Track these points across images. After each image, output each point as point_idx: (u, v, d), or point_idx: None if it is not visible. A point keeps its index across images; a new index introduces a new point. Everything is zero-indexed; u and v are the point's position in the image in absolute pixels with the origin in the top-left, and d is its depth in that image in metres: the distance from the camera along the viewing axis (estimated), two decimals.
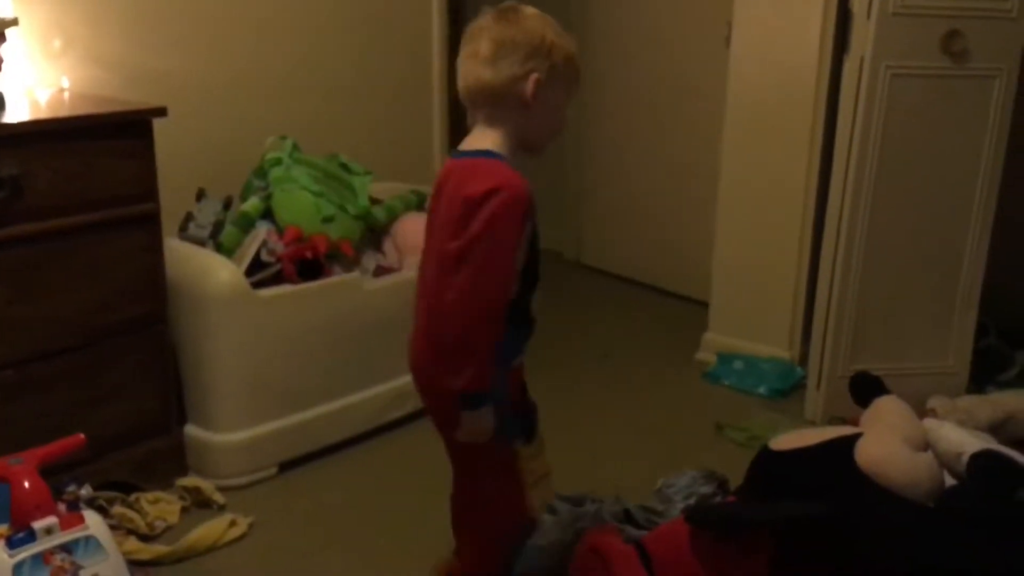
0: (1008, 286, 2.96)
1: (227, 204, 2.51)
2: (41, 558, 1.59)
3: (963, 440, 1.86)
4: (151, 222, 2.17)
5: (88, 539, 1.65)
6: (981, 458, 1.80)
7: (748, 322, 3.10)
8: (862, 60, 2.44)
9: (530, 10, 1.52)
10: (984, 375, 2.82)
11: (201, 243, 2.40)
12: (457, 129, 3.91)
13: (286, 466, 2.40)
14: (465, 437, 1.56)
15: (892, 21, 2.40)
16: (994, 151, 2.54)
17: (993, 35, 2.45)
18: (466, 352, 1.48)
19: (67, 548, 1.62)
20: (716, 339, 3.17)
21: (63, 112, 2.14)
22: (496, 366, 1.52)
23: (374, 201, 2.76)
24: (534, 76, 1.47)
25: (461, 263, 1.45)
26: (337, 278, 2.47)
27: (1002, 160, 2.55)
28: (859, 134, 2.48)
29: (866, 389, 2.10)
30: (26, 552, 1.58)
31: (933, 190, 2.56)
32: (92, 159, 2.03)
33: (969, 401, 2.53)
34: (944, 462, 1.88)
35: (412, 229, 2.72)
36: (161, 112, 2.13)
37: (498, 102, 1.50)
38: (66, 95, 2.33)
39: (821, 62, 2.79)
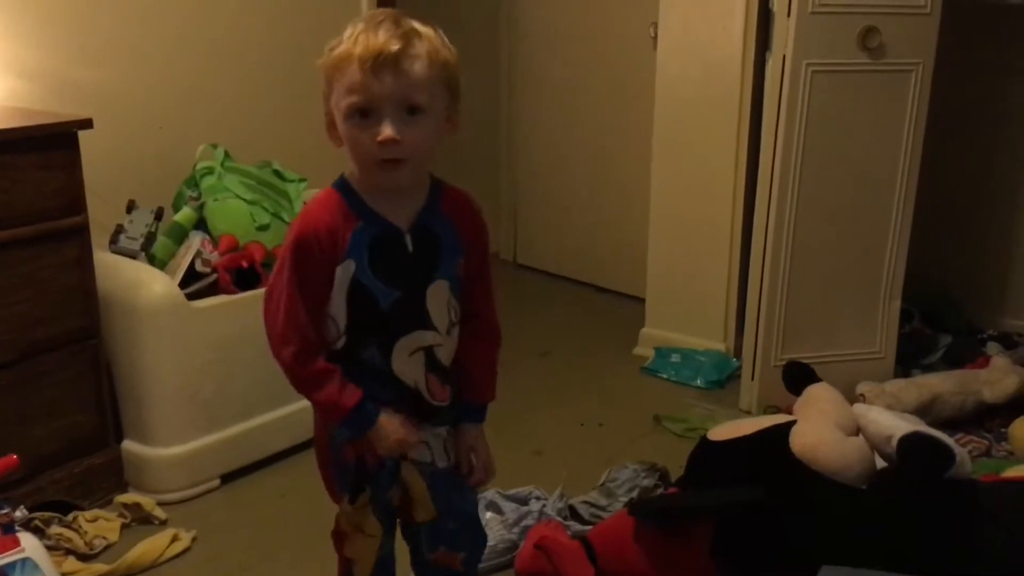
0: (929, 272, 3.07)
1: (158, 215, 2.47)
2: None
3: (892, 423, 1.93)
4: (80, 235, 2.13)
5: (24, 561, 1.62)
6: (909, 440, 1.87)
7: (683, 316, 3.16)
8: (784, 58, 2.51)
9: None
10: (910, 359, 2.92)
11: (133, 255, 2.36)
12: None
13: (228, 477, 2.37)
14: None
15: (811, 20, 2.47)
16: (913, 142, 2.63)
17: (908, 30, 2.53)
18: (303, 392, 1.38)
19: (3, 572, 1.59)
20: (653, 334, 3.23)
21: None
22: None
23: None
24: (325, 111, 1.31)
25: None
26: None
27: (920, 151, 2.64)
28: (783, 130, 2.55)
29: (798, 377, 2.16)
30: None
31: (856, 182, 2.64)
32: (16, 173, 1.99)
33: (896, 385, 2.62)
34: (874, 445, 1.94)
35: None
36: (86, 124, 2.10)
37: None
38: None
39: (745, 61, 2.86)
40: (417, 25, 1.25)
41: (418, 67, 1.23)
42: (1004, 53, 3.15)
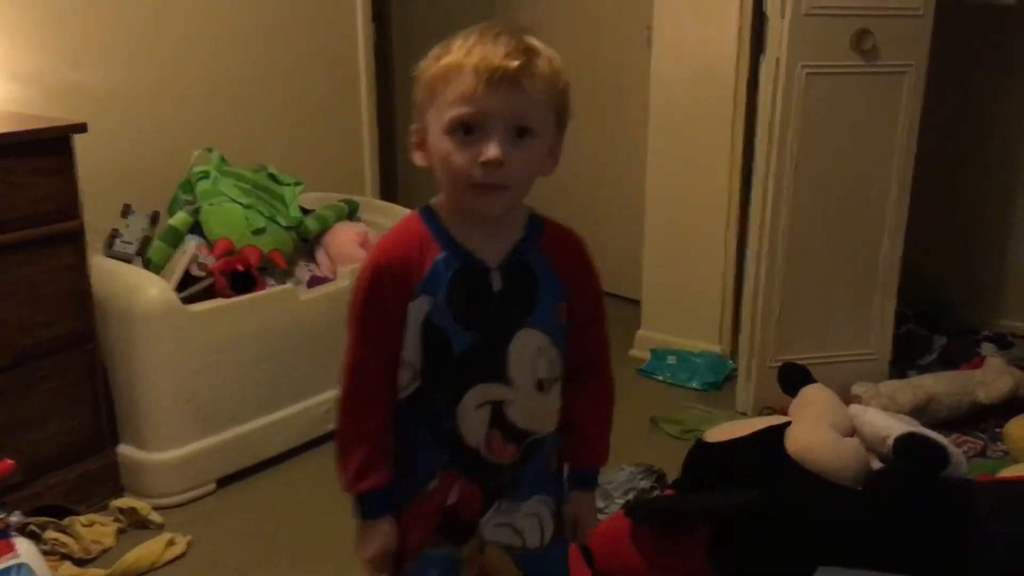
0: (924, 273, 3.08)
1: (154, 219, 2.48)
2: None
3: (887, 424, 1.94)
4: (75, 240, 2.13)
5: (20, 567, 1.61)
6: (905, 441, 1.88)
7: (679, 318, 3.17)
8: (778, 60, 2.52)
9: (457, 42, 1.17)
10: (905, 360, 2.93)
11: (128, 260, 2.36)
12: (387, 138, 3.91)
13: (224, 481, 2.37)
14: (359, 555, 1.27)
15: (805, 22, 2.48)
16: (906, 144, 2.63)
17: (901, 32, 2.54)
18: (336, 437, 1.24)
19: None
20: (649, 336, 3.23)
21: None
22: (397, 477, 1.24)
23: (305, 211, 2.75)
24: (412, 127, 1.19)
25: None
26: (270, 290, 2.45)
27: (914, 152, 2.65)
28: (778, 132, 2.55)
29: (793, 379, 2.16)
30: None
31: (850, 184, 2.65)
32: (11, 177, 1.98)
33: (892, 386, 2.62)
34: (870, 446, 1.95)
35: (344, 239, 2.72)
36: (81, 128, 2.10)
37: None
38: None
39: (739, 63, 2.87)
40: (538, 43, 1.13)
41: (537, 87, 1.11)
42: (997, 54, 3.16)
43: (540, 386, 1.22)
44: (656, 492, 2.24)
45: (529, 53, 1.11)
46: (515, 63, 1.09)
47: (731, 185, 2.98)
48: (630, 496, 2.21)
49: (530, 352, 1.21)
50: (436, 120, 1.13)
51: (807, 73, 2.52)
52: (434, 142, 1.14)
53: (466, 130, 1.10)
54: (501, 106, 1.09)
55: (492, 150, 1.09)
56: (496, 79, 1.08)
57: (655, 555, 1.90)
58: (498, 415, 1.21)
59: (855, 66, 2.54)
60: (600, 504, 2.19)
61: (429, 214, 1.20)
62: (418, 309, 1.17)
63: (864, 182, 2.66)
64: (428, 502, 1.25)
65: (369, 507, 1.23)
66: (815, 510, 1.86)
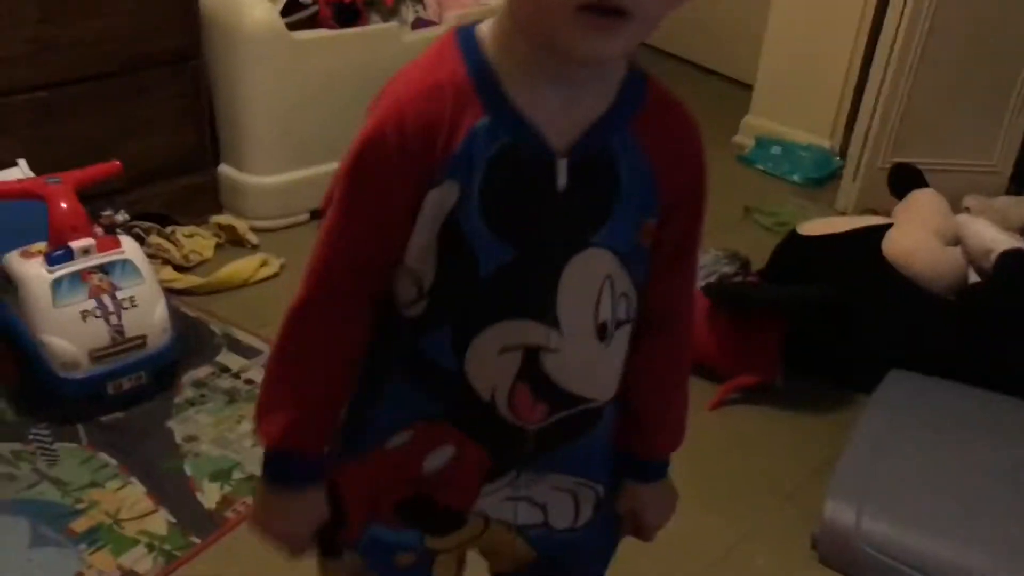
0: None
1: None
2: (79, 276, 1.65)
3: (995, 237, 1.86)
4: None
5: (125, 262, 1.70)
6: (1010, 256, 1.80)
7: (792, 107, 3.02)
8: None
9: None
10: None
11: None
12: None
13: (316, 214, 2.43)
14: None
15: None
16: None
17: None
18: (266, 375, 0.87)
19: (104, 269, 1.68)
20: (756, 123, 3.10)
21: None
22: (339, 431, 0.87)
23: None
24: None
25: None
26: (374, 27, 2.39)
27: None
28: None
29: (905, 181, 2.07)
30: (65, 269, 1.64)
31: None
32: None
33: (1005, 202, 2.49)
34: (972, 258, 1.88)
35: None
36: None
37: None
38: None
39: None
40: None
41: None
42: None
43: (602, 333, 0.83)
44: (739, 278, 2.23)
45: None
46: None
47: None
48: (712, 278, 2.20)
49: (594, 283, 0.81)
50: None
51: None
52: None
53: None
54: None
55: None
56: None
57: (729, 336, 1.91)
58: (531, 366, 0.81)
59: None
60: None
61: (471, 44, 0.77)
62: (438, 201, 0.76)
63: None
64: (387, 462, 0.86)
65: (294, 469, 0.85)
66: (900, 314, 1.83)
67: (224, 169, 2.36)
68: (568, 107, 0.76)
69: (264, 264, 2.18)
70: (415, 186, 0.76)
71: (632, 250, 0.81)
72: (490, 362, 0.81)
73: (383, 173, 0.76)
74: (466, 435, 0.84)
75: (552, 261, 0.79)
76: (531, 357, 0.81)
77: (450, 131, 0.74)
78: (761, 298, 1.96)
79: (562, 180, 0.76)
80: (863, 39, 2.82)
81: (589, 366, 0.84)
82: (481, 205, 0.75)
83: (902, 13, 2.44)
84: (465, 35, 0.77)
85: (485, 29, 0.77)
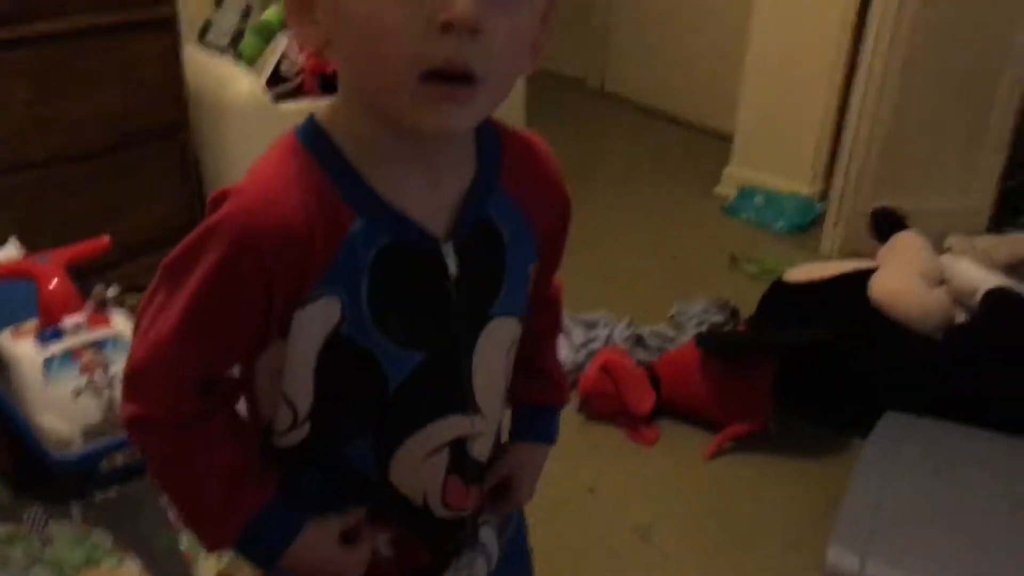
0: None
1: (246, 13, 2.45)
2: (71, 354, 1.64)
3: (980, 276, 1.88)
4: (169, 27, 2.13)
5: (116, 338, 1.70)
6: (995, 295, 1.82)
7: (771, 156, 3.06)
8: None
9: None
10: (1007, 217, 2.80)
11: (221, 51, 2.36)
12: None
13: None
14: None
15: None
16: None
17: None
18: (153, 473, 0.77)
19: (95, 345, 1.68)
20: (737, 173, 3.14)
21: None
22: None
23: None
24: None
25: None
26: None
27: None
28: None
29: (887, 223, 2.10)
30: (56, 347, 1.64)
31: (973, 23, 2.46)
32: None
33: (988, 241, 2.51)
34: (958, 297, 1.90)
35: None
36: None
37: None
38: None
39: None
40: None
41: None
42: None
43: (506, 395, 0.83)
44: (728, 327, 2.24)
45: None
46: None
47: (844, 16, 2.79)
48: (702, 328, 2.22)
49: (501, 354, 0.78)
50: None
51: None
52: None
53: None
54: None
55: (460, 2, 0.60)
56: None
57: (721, 385, 1.92)
58: (458, 457, 0.78)
59: None
60: (671, 333, 2.21)
61: (322, 143, 0.69)
62: (315, 320, 0.69)
63: (990, 22, 2.46)
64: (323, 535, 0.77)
65: (283, 523, 0.76)
66: (890, 355, 1.84)
67: None
68: (434, 187, 0.71)
69: None
70: (278, 302, 0.68)
71: (524, 301, 0.79)
72: (417, 468, 0.76)
73: (242, 288, 0.67)
74: (403, 527, 0.80)
75: (461, 350, 0.74)
76: (457, 449, 0.78)
77: (317, 243, 0.67)
78: (756, 343, 1.97)
79: (452, 266, 0.71)
80: (838, 85, 2.87)
81: (492, 434, 0.82)
82: (374, 316, 0.69)
83: (875, 58, 2.50)
84: (308, 133, 0.70)
85: (326, 122, 0.70)
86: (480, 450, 0.80)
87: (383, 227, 0.68)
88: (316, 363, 0.70)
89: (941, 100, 2.54)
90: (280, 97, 2.31)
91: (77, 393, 1.63)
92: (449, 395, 0.75)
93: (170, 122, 2.19)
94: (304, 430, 0.74)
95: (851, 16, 2.79)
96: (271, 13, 2.44)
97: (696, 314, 2.28)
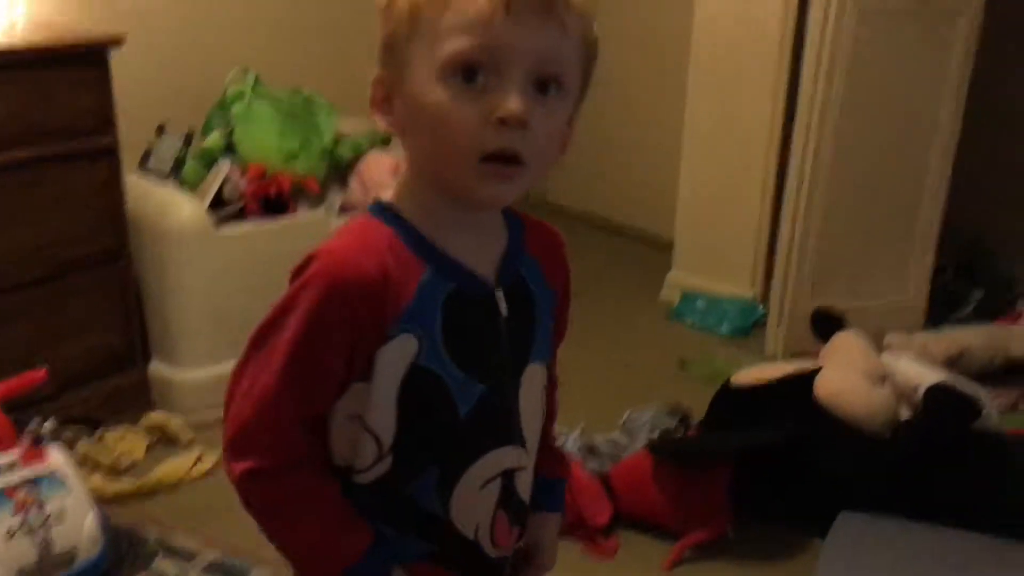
0: (964, 225, 3.01)
1: (188, 139, 2.46)
2: (3, 493, 1.59)
3: (919, 373, 1.92)
4: (110, 156, 2.13)
5: (52, 474, 1.65)
6: (936, 391, 1.86)
7: (711, 261, 3.13)
8: None
9: None
10: (941, 312, 2.88)
11: (162, 178, 2.36)
12: None
13: None
14: None
15: None
16: (955, 91, 2.56)
17: None
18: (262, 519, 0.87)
19: (30, 483, 1.62)
20: (679, 278, 3.20)
21: (17, 41, 2.07)
22: None
23: (340, 137, 2.73)
24: (374, 77, 0.86)
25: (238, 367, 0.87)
26: (301, 215, 2.45)
27: (963, 101, 2.57)
28: (824, 70, 2.48)
29: (826, 323, 2.14)
30: None
31: (896, 129, 2.58)
32: (48, 89, 1.99)
33: (925, 337, 2.58)
34: (901, 395, 1.93)
35: (378, 166, 2.69)
36: (117, 41, 2.08)
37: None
38: (20, 23, 2.26)
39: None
40: None
41: (573, 24, 0.80)
42: None
43: (540, 437, 0.96)
44: (681, 432, 2.24)
45: None
46: None
47: (773, 124, 2.91)
48: (655, 435, 2.21)
49: (537, 394, 0.93)
50: (423, 60, 0.78)
51: (859, 10, 2.44)
52: (416, 92, 0.79)
53: (468, 75, 0.77)
54: (525, 42, 0.77)
55: (513, 101, 0.76)
56: (523, 3, 0.76)
57: (677, 492, 1.91)
58: (507, 491, 0.90)
59: (909, 5, 2.45)
60: (624, 441, 2.20)
61: (391, 214, 0.85)
62: (396, 354, 0.81)
63: (911, 126, 2.59)
64: None
65: (379, 565, 0.86)
66: (841, 454, 1.85)
67: (155, 366, 2.33)
68: (481, 247, 0.87)
69: (199, 461, 2.12)
70: (363, 343, 0.81)
71: (549, 352, 0.95)
72: (475, 499, 0.88)
73: (333, 331, 0.80)
74: (461, 572, 0.90)
75: (512, 386, 0.89)
76: (507, 482, 0.90)
77: (396, 289, 0.81)
78: (709, 448, 1.97)
79: (504, 309, 0.87)
80: (770, 191, 2.96)
81: (532, 467, 0.94)
82: (447, 346, 0.83)
83: (804, 163, 2.59)
84: (379, 209, 0.86)
85: (394, 200, 0.86)
86: (523, 486, 0.93)
87: (448, 275, 0.84)
88: (399, 392, 0.83)
89: (870, 199, 2.64)
90: (222, 221, 2.31)
91: (11, 534, 1.56)
92: (505, 426, 0.89)
93: (110, 250, 2.17)
94: (387, 463, 0.85)
95: (778, 125, 2.91)
96: (213, 139, 2.46)
97: (648, 420, 2.27)
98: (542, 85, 0.79)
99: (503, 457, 0.89)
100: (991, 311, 2.89)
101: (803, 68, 2.58)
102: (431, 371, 0.83)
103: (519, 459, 0.91)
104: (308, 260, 0.82)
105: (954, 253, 3.02)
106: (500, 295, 0.87)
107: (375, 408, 0.83)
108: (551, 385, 0.99)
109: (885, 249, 2.70)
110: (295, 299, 0.81)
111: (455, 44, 0.77)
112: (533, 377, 0.91)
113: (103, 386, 2.21)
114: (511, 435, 0.89)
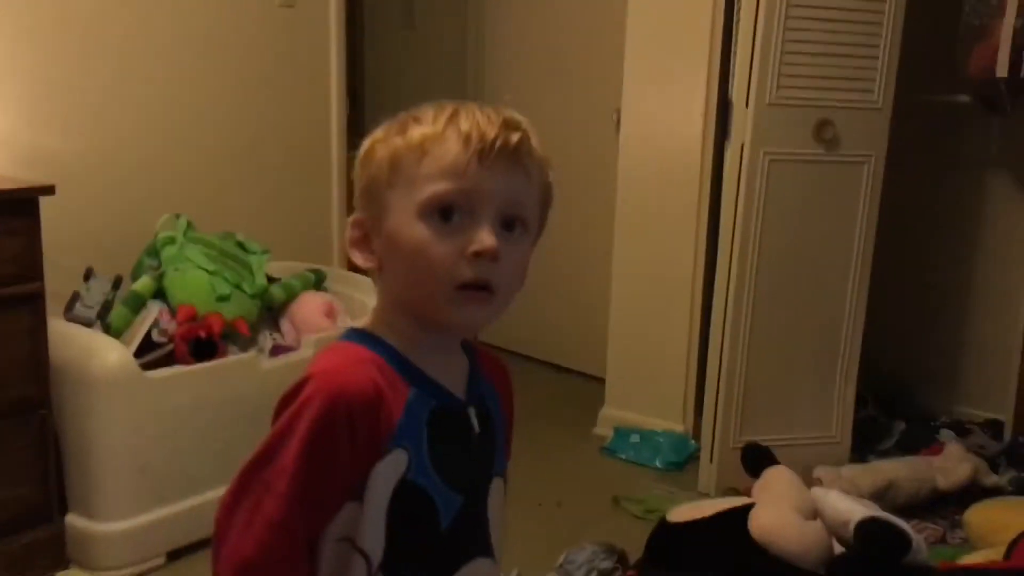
0: (883, 359, 3.12)
1: (116, 284, 2.45)
2: None
3: (849, 508, 1.94)
4: (35, 302, 2.10)
5: None
6: (866, 525, 1.88)
7: (643, 397, 3.17)
8: (742, 146, 2.59)
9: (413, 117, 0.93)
10: (865, 444, 2.95)
11: (88, 324, 2.32)
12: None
13: (174, 555, 2.30)
14: None
15: (768, 111, 2.55)
16: (866, 232, 2.70)
17: (861, 124, 2.63)
18: None
19: None
20: (612, 414, 3.22)
21: None
22: None
23: (271, 279, 2.74)
24: (352, 219, 0.94)
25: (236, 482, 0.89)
26: (232, 358, 2.42)
27: (873, 240, 2.71)
28: (741, 216, 2.61)
29: (756, 460, 2.17)
30: None
31: (812, 269, 2.70)
32: None
33: (853, 470, 2.63)
34: (832, 530, 1.95)
35: (310, 308, 2.70)
36: (48, 191, 2.09)
37: None
38: None
39: (705, 147, 2.93)
40: (522, 120, 0.93)
41: (534, 171, 0.91)
42: (953, 148, 3.27)
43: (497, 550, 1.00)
44: (617, 572, 2.21)
45: (521, 129, 0.91)
46: (515, 136, 0.89)
47: (696, 266, 3.02)
48: None
49: (501, 507, 1.00)
50: (402, 203, 0.87)
51: (770, 160, 2.58)
52: (397, 231, 0.88)
53: (445, 214, 0.87)
54: (496, 187, 0.87)
55: (486, 237, 0.86)
56: (493, 154, 0.87)
57: None
58: None
59: (817, 154, 2.61)
60: None
61: (371, 339, 0.92)
62: (390, 469, 0.86)
63: (826, 268, 2.71)
64: None
65: None
66: None
67: (72, 519, 2.23)
68: (450, 369, 0.95)
69: None
70: (361, 458, 0.85)
71: (505, 471, 1.01)
72: None
73: (336, 446, 0.84)
74: None
75: (483, 499, 0.96)
76: None
77: (389, 405, 0.87)
78: None
79: (476, 425, 0.95)
80: (697, 327, 3.04)
81: None
82: (432, 461, 0.89)
83: (726, 300, 2.68)
84: (356, 335, 0.93)
85: (368, 327, 0.94)
86: None
87: (430, 394, 0.91)
88: (388, 508, 0.87)
89: (792, 339, 2.73)
90: (150, 366, 2.27)
91: None
92: (479, 538, 0.95)
93: (29, 399, 2.10)
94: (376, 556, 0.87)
95: (701, 266, 3.01)
96: (143, 283, 2.45)
97: (584, 562, 2.24)
98: (508, 224, 0.89)
99: (476, 569, 0.95)
100: (913, 443, 2.97)
101: (722, 212, 2.70)
102: (418, 485, 0.88)
103: (490, 570, 0.97)
104: (301, 384, 0.86)
105: (875, 387, 3.11)
106: (472, 412, 0.95)
107: (367, 526, 0.86)
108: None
109: (809, 384, 2.78)
110: (294, 422, 0.84)
111: (434, 187, 0.87)
112: (498, 489, 0.99)
113: (15, 543, 2.10)
114: (484, 547, 0.96)
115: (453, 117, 0.89)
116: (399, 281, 0.91)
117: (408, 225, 0.87)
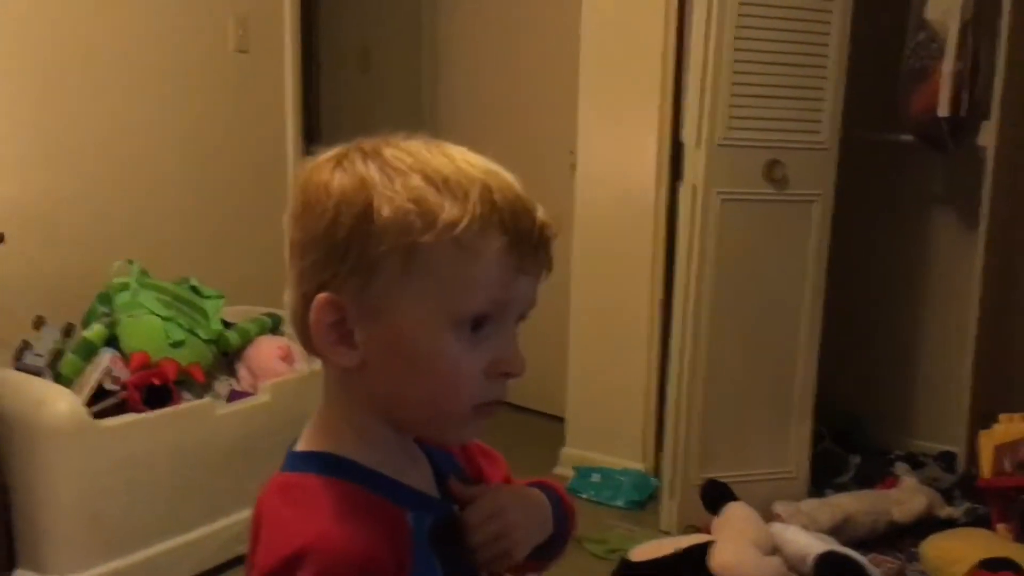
0: (837, 394, 3.16)
1: (68, 331, 2.41)
2: None
3: (808, 543, 1.96)
4: None
5: None
6: (826, 559, 1.90)
7: (603, 436, 3.17)
8: (694, 187, 2.63)
9: (388, 150, 0.77)
10: (822, 478, 2.97)
11: (38, 373, 2.28)
12: None
13: None
14: None
15: (719, 151, 2.60)
16: (816, 268, 2.75)
17: (809, 163, 2.69)
18: None
19: None
20: (573, 453, 3.22)
21: None
22: None
23: (227, 324, 2.71)
24: (320, 298, 0.74)
25: None
26: (186, 404, 2.38)
27: (824, 277, 2.76)
28: (696, 255, 2.64)
29: (716, 496, 2.18)
30: None
31: (765, 306, 2.74)
32: None
33: (810, 505, 2.65)
34: (791, 564, 1.96)
35: (266, 352, 2.68)
36: None
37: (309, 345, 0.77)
38: None
39: (658, 188, 2.98)
40: (537, 204, 0.82)
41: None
42: (899, 186, 3.35)
43: None
44: None
45: (549, 221, 0.80)
46: (550, 231, 0.79)
47: (652, 306, 3.05)
48: None
49: None
50: (426, 304, 0.73)
51: (722, 200, 2.63)
52: (414, 339, 0.73)
53: (478, 325, 0.75)
54: (527, 291, 0.78)
55: (518, 357, 0.77)
56: (533, 266, 0.77)
57: None
58: None
59: (767, 194, 2.66)
60: None
61: (347, 468, 0.76)
62: None
63: (778, 305, 2.75)
64: None
65: None
66: None
67: (20, 574, 2.16)
68: (416, 463, 0.83)
69: None
70: None
71: None
72: None
73: None
74: None
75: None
76: None
77: (397, 558, 0.73)
78: None
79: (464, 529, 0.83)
80: (655, 365, 3.06)
81: None
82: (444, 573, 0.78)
83: (682, 339, 2.70)
84: (316, 463, 0.76)
85: (325, 447, 0.77)
86: None
87: (425, 509, 0.79)
88: None
89: (748, 377, 2.76)
90: (102, 414, 2.23)
91: None
92: None
93: None
94: None
95: (657, 306, 3.04)
96: (95, 331, 2.41)
97: None
98: (520, 319, 0.80)
99: None
100: (869, 477, 3.00)
101: (676, 251, 2.74)
102: None
103: None
104: (290, 563, 0.69)
105: (830, 422, 3.15)
106: (456, 509, 0.83)
107: None
108: None
109: (766, 421, 2.80)
110: None
111: (477, 300, 0.73)
112: None
113: None
114: None
115: (486, 191, 0.76)
116: (395, 390, 0.75)
117: (433, 335, 0.73)
